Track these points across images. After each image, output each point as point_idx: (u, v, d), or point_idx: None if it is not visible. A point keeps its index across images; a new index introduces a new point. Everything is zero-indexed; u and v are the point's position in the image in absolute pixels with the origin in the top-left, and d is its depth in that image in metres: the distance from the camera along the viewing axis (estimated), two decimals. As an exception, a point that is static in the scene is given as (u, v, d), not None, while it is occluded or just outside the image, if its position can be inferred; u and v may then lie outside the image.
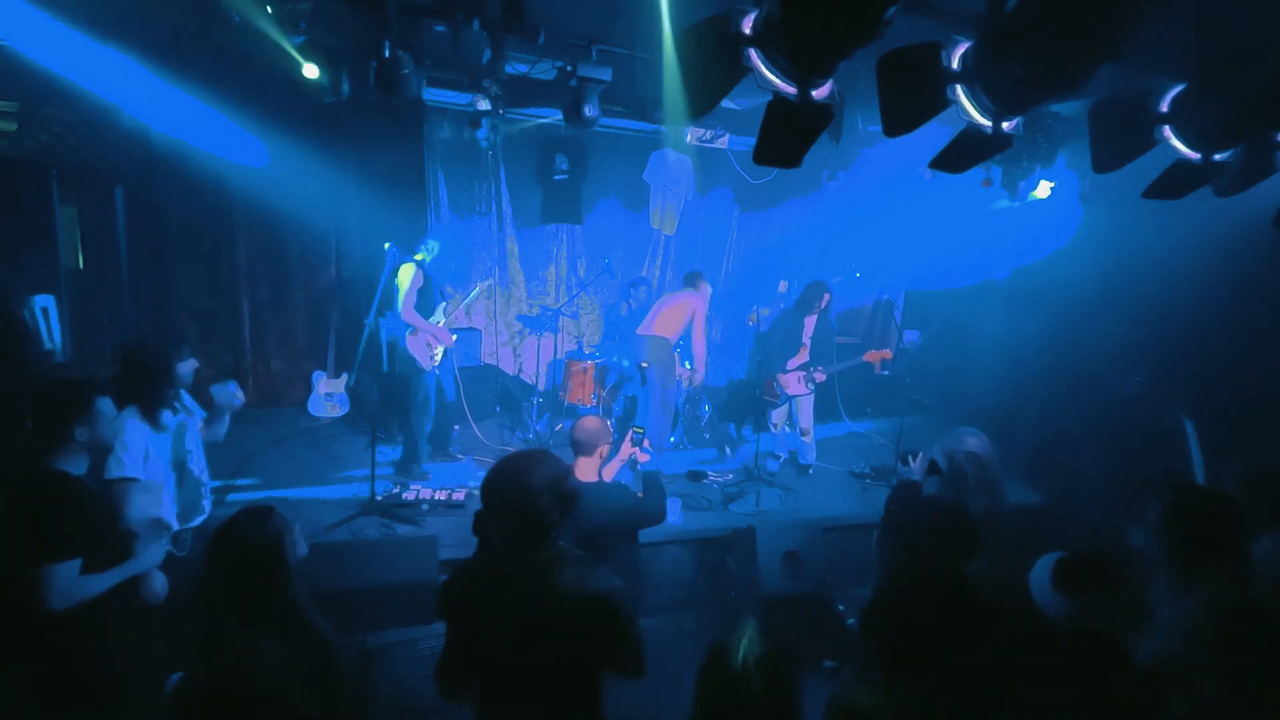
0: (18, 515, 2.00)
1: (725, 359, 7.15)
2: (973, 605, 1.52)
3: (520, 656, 1.70)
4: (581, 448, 2.90)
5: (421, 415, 4.59)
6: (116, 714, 2.16)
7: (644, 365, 5.00)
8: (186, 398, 2.80)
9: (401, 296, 4.37)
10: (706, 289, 5.30)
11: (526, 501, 1.66)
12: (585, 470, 2.89)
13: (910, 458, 2.89)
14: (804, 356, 5.09)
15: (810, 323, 5.10)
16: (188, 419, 2.76)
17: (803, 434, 5.21)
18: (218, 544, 1.81)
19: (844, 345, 5.86)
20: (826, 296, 5.03)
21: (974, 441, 2.64)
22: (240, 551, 1.79)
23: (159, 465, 2.54)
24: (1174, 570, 1.79)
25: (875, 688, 1.50)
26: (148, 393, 2.54)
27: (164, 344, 2.64)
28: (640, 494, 3.00)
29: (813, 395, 5.17)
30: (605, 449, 2.94)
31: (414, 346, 4.47)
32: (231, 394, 2.85)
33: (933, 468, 2.74)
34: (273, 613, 1.78)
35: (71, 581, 2.01)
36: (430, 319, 4.55)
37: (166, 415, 2.62)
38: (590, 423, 2.92)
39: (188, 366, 2.70)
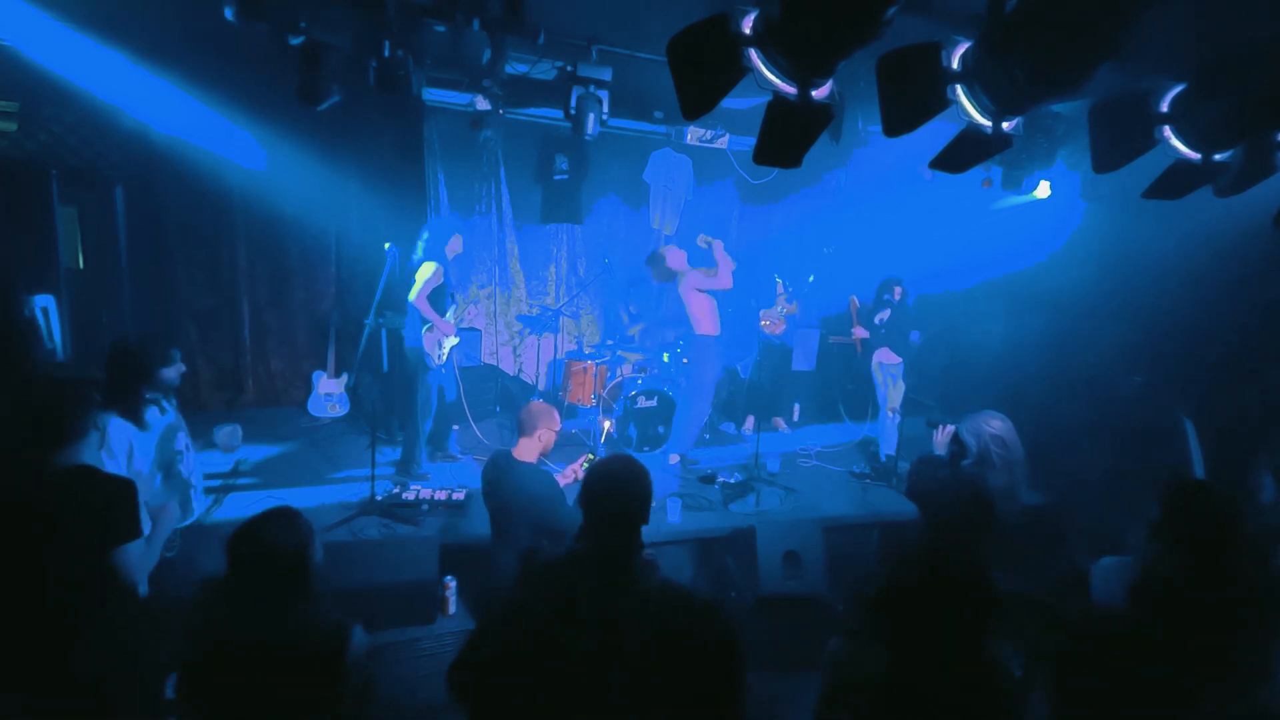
0: (81, 509, 1.98)
1: (725, 358, 7.11)
2: (970, 576, 1.54)
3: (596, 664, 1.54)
4: (521, 428, 3.05)
5: (424, 414, 4.58)
6: (116, 713, 2.15)
7: (685, 361, 5.15)
8: (169, 406, 2.74)
9: (417, 288, 4.35)
10: (674, 254, 5.22)
11: (631, 497, 1.73)
12: (523, 450, 3.04)
13: (939, 428, 3.06)
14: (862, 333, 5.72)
15: (885, 315, 5.65)
16: (179, 421, 2.73)
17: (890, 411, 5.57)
18: (241, 542, 1.72)
19: (842, 345, 6.29)
20: (897, 289, 5.55)
21: (998, 424, 2.87)
22: (267, 553, 1.71)
23: (143, 463, 2.52)
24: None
25: (872, 645, 1.54)
26: (125, 393, 2.51)
27: (150, 345, 2.60)
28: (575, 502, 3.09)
29: (898, 380, 5.49)
30: (545, 434, 3.05)
31: (427, 343, 4.47)
32: (230, 436, 2.85)
33: (955, 443, 2.95)
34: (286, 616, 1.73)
35: (143, 555, 2.06)
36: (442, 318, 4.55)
37: (152, 413, 2.59)
38: (536, 406, 3.10)
39: (173, 372, 2.65)
